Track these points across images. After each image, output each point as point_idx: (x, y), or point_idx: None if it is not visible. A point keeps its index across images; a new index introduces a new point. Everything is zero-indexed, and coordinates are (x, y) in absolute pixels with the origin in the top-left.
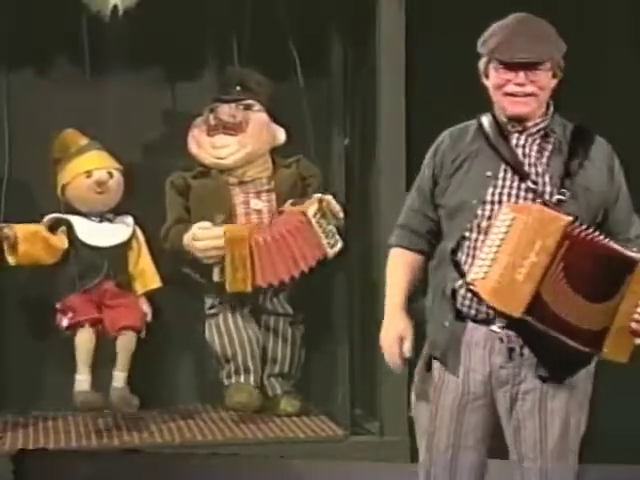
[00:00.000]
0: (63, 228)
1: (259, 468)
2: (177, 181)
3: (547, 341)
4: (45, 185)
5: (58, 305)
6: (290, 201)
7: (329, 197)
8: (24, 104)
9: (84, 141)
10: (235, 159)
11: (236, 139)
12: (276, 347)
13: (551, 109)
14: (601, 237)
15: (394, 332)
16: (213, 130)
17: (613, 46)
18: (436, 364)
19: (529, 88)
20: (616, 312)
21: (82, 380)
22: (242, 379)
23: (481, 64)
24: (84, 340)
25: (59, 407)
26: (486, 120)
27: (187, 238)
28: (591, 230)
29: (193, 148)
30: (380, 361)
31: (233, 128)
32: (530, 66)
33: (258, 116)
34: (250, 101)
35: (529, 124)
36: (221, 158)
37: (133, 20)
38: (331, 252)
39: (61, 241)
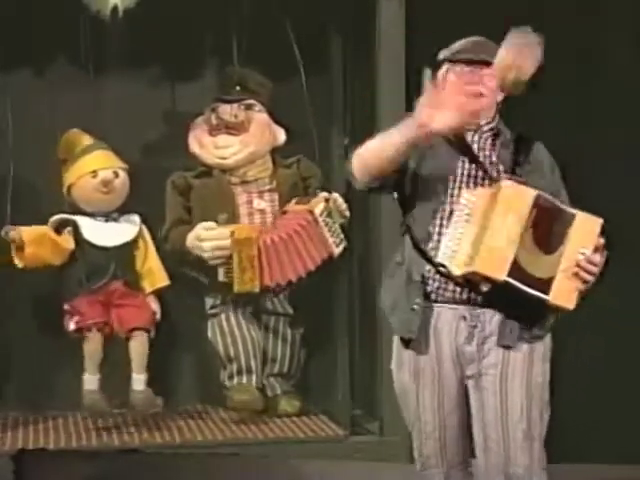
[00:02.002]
0: (69, 229)
1: (259, 468)
2: (178, 181)
3: (513, 303)
4: (48, 185)
5: (66, 306)
6: (294, 200)
7: (336, 195)
8: (23, 104)
9: (89, 141)
10: (238, 159)
11: (239, 139)
12: (276, 347)
13: (497, 113)
14: (556, 202)
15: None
16: (215, 130)
17: (613, 46)
18: (408, 349)
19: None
20: (560, 261)
21: (90, 379)
22: (244, 380)
23: (439, 75)
24: (92, 343)
25: (60, 407)
26: None
27: (191, 239)
28: (550, 197)
29: (195, 148)
30: (380, 361)
31: (235, 128)
32: (481, 65)
33: (260, 116)
34: (251, 101)
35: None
36: (224, 158)
37: (133, 20)
38: (337, 251)
39: (67, 242)
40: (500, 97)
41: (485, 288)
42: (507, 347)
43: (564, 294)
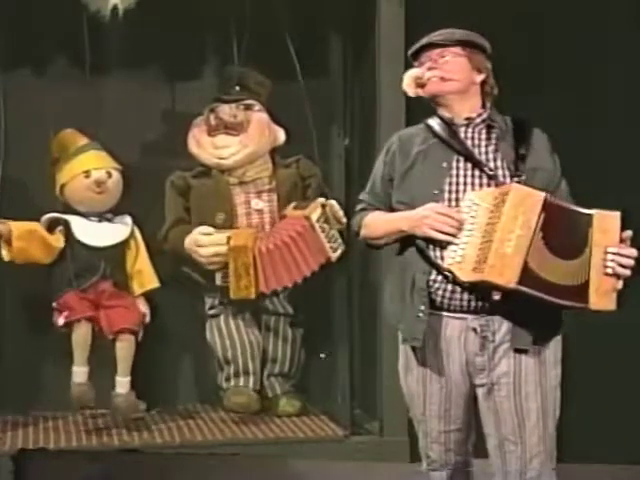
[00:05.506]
0: (61, 227)
1: (259, 468)
2: (177, 181)
3: (521, 310)
4: (44, 185)
5: (54, 304)
6: (292, 204)
7: (332, 202)
8: (23, 104)
9: (83, 141)
10: (236, 159)
11: (237, 139)
12: (276, 347)
13: (488, 104)
14: (566, 204)
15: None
16: (214, 130)
17: (613, 46)
18: (415, 355)
19: (438, 72)
20: (589, 265)
21: (79, 372)
22: (241, 382)
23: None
24: (81, 334)
25: (59, 407)
26: (433, 121)
27: (189, 242)
28: (559, 200)
29: (193, 148)
30: (380, 361)
31: (234, 128)
32: (437, 49)
33: (259, 116)
34: (250, 101)
35: (473, 116)
36: (223, 158)
37: (133, 20)
38: (334, 256)
39: (57, 240)
40: (479, 78)
41: (497, 297)
42: (521, 351)
43: (603, 297)
